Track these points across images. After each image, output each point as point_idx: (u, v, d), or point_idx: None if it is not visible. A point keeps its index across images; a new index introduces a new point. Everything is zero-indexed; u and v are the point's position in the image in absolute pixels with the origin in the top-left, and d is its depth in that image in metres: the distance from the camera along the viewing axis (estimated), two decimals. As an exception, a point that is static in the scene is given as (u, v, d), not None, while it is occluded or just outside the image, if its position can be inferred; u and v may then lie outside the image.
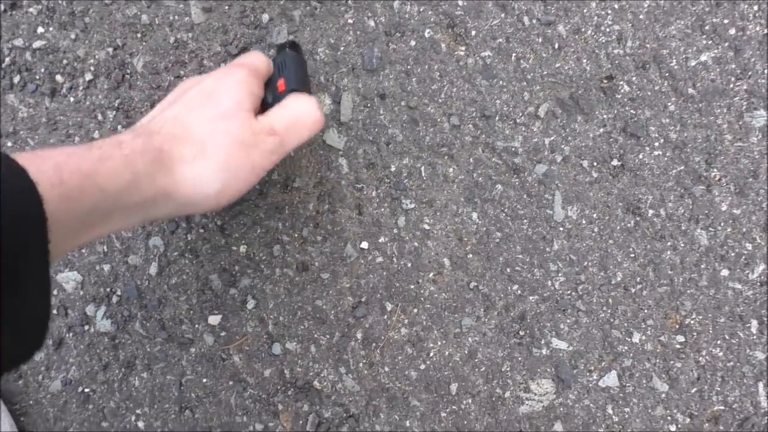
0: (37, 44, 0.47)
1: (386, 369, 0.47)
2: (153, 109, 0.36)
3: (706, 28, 0.46)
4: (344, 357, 0.47)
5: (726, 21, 0.46)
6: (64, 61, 0.47)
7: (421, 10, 0.46)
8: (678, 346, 0.47)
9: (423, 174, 0.47)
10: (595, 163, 0.47)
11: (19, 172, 0.23)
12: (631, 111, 0.46)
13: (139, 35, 0.47)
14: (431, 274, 0.47)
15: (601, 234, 0.47)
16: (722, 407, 0.47)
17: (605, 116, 0.46)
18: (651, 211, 0.47)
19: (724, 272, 0.47)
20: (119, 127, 0.47)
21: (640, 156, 0.46)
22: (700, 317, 0.47)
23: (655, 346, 0.47)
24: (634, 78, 0.46)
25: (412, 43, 0.47)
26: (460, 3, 0.46)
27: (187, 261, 0.47)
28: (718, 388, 0.47)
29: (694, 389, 0.47)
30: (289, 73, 0.37)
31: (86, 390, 0.48)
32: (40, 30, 0.47)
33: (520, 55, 0.46)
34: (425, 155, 0.47)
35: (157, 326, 0.47)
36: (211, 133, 0.32)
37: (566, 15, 0.46)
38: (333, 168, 0.47)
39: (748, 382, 0.46)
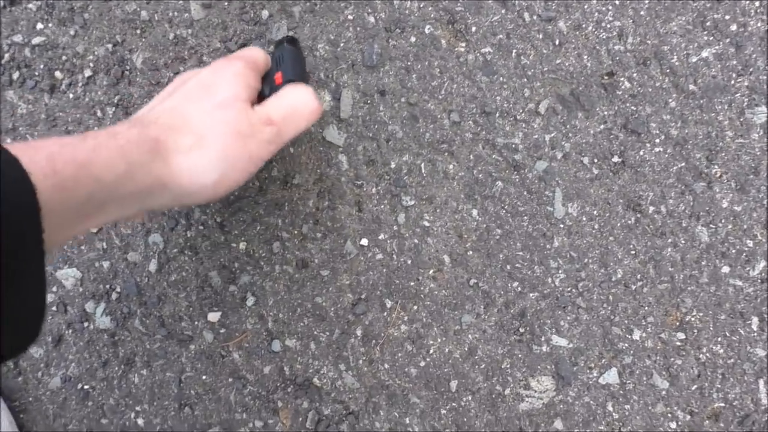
0: (36, 40, 0.47)
1: (386, 366, 0.47)
2: (150, 101, 0.36)
3: (707, 24, 0.46)
4: (344, 354, 0.47)
5: (727, 17, 0.46)
6: (64, 58, 0.47)
7: (421, 6, 0.46)
8: (678, 343, 0.47)
9: (423, 171, 0.47)
10: (595, 160, 0.47)
11: (12, 161, 0.23)
12: (632, 107, 0.46)
13: (138, 31, 0.47)
14: (431, 271, 0.47)
15: (602, 231, 0.47)
16: (722, 404, 0.47)
17: (606, 113, 0.46)
18: (652, 208, 0.46)
19: (725, 269, 0.46)
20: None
21: (641, 153, 0.46)
22: (701, 314, 0.47)
23: (655, 343, 0.47)
24: (634, 74, 0.46)
25: (412, 39, 0.46)
26: (461, -1, 0.46)
27: (186, 258, 0.47)
28: (719, 385, 0.47)
29: (695, 386, 0.47)
30: (287, 66, 0.37)
31: (86, 387, 0.47)
32: (40, 26, 0.47)
33: (520, 52, 0.46)
34: (425, 152, 0.47)
35: (156, 323, 0.47)
36: (207, 124, 0.32)
37: (567, 11, 0.46)
38: (333, 165, 0.47)
39: (748, 379, 0.46)
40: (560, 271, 0.47)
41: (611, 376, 0.47)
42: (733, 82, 0.46)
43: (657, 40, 0.46)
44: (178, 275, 0.47)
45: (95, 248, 0.47)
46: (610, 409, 0.47)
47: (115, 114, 0.47)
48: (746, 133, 0.46)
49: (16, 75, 0.47)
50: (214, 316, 0.47)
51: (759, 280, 0.46)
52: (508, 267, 0.47)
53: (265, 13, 0.46)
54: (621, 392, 0.47)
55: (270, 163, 0.47)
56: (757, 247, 0.46)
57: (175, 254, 0.47)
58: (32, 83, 0.47)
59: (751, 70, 0.46)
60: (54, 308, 0.47)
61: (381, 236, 0.47)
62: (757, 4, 0.45)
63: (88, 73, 0.47)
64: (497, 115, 0.47)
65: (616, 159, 0.46)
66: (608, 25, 0.46)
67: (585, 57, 0.46)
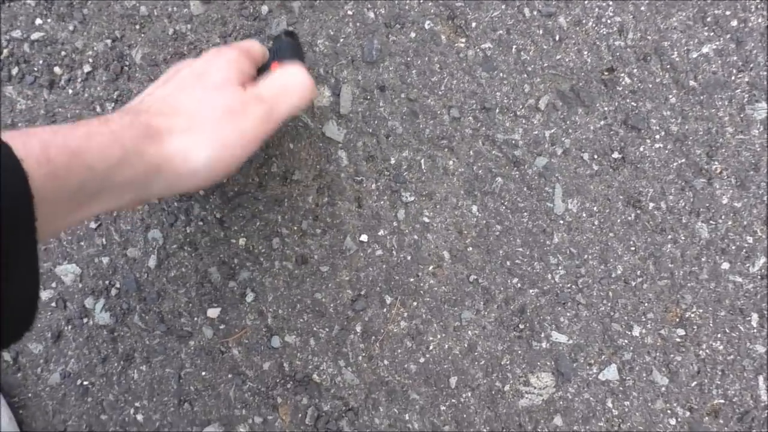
0: (35, 36, 0.46)
1: (385, 362, 0.47)
2: (143, 91, 0.36)
3: (708, 19, 0.46)
4: (343, 350, 0.47)
5: (728, 13, 0.45)
6: (63, 53, 0.47)
7: (421, 1, 0.46)
8: (678, 340, 0.47)
9: (423, 167, 0.47)
10: (595, 156, 0.46)
11: (4, 148, 0.23)
12: (632, 103, 0.46)
13: (137, 27, 0.47)
14: (431, 267, 0.47)
15: (602, 227, 0.47)
16: (722, 401, 0.47)
17: (606, 108, 0.46)
18: (651, 204, 0.46)
19: (725, 265, 0.46)
20: (118, 119, 0.47)
21: (641, 149, 0.46)
22: (701, 310, 0.47)
23: (655, 340, 0.47)
24: (635, 70, 0.46)
25: (412, 35, 0.46)
26: (461, -6, 0.46)
27: (186, 254, 0.47)
28: (718, 382, 0.46)
29: (694, 383, 0.47)
30: (284, 55, 0.37)
31: (85, 383, 0.47)
32: (39, 21, 0.46)
33: (520, 47, 0.46)
34: (425, 148, 0.47)
35: (156, 319, 0.47)
36: (198, 107, 0.32)
37: (567, 6, 0.46)
38: (332, 160, 0.47)
39: (748, 376, 0.46)
40: (560, 268, 0.47)
41: (611, 373, 0.47)
42: (733, 78, 0.46)
43: (657, 35, 0.46)
44: (178, 271, 0.47)
45: (94, 244, 0.47)
46: (610, 405, 0.47)
47: (114, 109, 0.47)
48: (746, 129, 0.46)
49: (15, 70, 0.46)
50: (213, 312, 0.47)
51: (759, 277, 0.46)
52: (508, 263, 0.47)
53: (264, 9, 0.46)
54: (621, 388, 0.47)
55: (270, 159, 0.47)
56: (757, 243, 0.46)
57: (175, 250, 0.47)
58: (31, 79, 0.46)
59: (751, 66, 0.45)
60: (53, 304, 0.47)
61: (381, 232, 0.47)
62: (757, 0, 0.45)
63: (87, 68, 0.47)
64: (497, 111, 0.46)
65: (616, 155, 0.46)
66: (608, 21, 0.46)
67: (585, 53, 0.46)
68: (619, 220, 0.47)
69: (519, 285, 0.47)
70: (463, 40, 0.46)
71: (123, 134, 0.28)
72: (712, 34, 0.46)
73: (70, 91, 0.47)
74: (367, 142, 0.47)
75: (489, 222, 0.47)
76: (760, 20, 0.45)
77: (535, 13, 0.46)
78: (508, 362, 0.47)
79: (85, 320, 0.47)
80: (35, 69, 0.47)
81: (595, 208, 0.47)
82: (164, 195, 0.33)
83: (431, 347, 0.47)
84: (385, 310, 0.47)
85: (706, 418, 0.47)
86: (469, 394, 0.47)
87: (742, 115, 0.46)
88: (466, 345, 0.47)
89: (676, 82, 0.46)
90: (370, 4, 0.46)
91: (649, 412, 0.47)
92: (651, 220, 0.47)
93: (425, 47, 0.46)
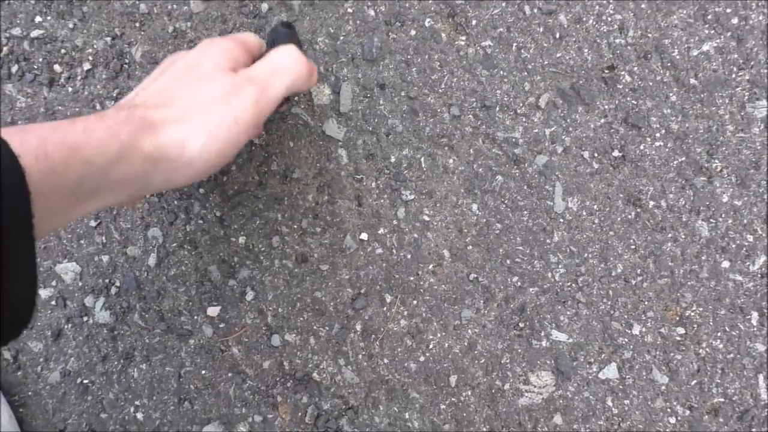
0: (35, 33, 0.46)
1: (385, 361, 0.47)
2: (138, 85, 0.36)
3: (709, 17, 0.45)
4: (343, 349, 0.47)
5: (729, 10, 0.45)
6: (62, 51, 0.46)
7: (422, -1, 0.46)
8: (678, 338, 0.47)
9: (423, 165, 0.47)
10: (595, 154, 0.46)
11: (1, 145, 0.23)
12: (633, 101, 0.46)
13: (137, 24, 0.47)
14: (431, 266, 0.47)
15: (602, 225, 0.47)
16: (722, 399, 0.47)
17: (606, 107, 0.46)
18: (652, 203, 0.46)
19: (725, 264, 0.46)
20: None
21: (641, 147, 0.46)
22: (701, 309, 0.46)
23: (655, 338, 0.47)
24: (635, 68, 0.46)
25: (413, 32, 0.46)
26: (461, -8, 0.46)
27: (186, 252, 0.47)
28: (718, 380, 0.46)
29: (694, 381, 0.47)
30: (280, 45, 0.36)
31: (85, 381, 0.47)
32: (38, 19, 0.46)
33: (521, 45, 0.46)
34: (425, 146, 0.47)
35: (155, 317, 0.47)
36: (191, 96, 0.32)
37: (567, 4, 0.46)
38: (332, 159, 0.47)
39: (748, 374, 0.46)
40: (560, 266, 0.47)
41: (611, 371, 0.47)
42: (734, 75, 0.46)
43: (658, 33, 0.46)
44: (178, 269, 0.47)
45: (94, 242, 0.47)
46: (610, 404, 0.47)
47: (114, 108, 0.47)
48: (747, 127, 0.46)
49: (14, 68, 0.46)
50: (213, 311, 0.47)
51: (759, 275, 0.46)
52: (508, 262, 0.47)
53: (264, 6, 0.46)
54: (620, 387, 0.47)
55: (269, 157, 0.47)
56: (758, 241, 0.46)
57: (175, 248, 0.47)
58: (31, 76, 0.46)
59: (752, 63, 0.45)
60: (53, 302, 0.47)
61: (381, 231, 0.47)
62: (758, -3, 0.45)
63: (87, 66, 0.47)
64: (497, 109, 0.46)
65: (616, 153, 0.46)
66: (609, 19, 0.46)
67: (585, 50, 0.46)
68: (619, 219, 0.47)
69: (519, 283, 0.47)
70: (464, 37, 0.46)
71: (120, 129, 0.28)
72: (712, 31, 0.46)
73: (70, 89, 0.47)
74: (367, 140, 0.47)
75: (489, 220, 0.47)
76: (760, 18, 0.45)
77: (535, 10, 0.46)
78: (508, 361, 0.47)
79: (85, 319, 0.47)
80: (35, 67, 0.47)
81: (595, 207, 0.47)
82: (163, 188, 0.33)
83: (431, 346, 0.47)
84: (385, 308, 0.47)
85: (706, 416, 0.47)
86: (469, 393, 0.47)
87: (742, 113, 0.46)
88: (466, 343, 0.47)
89: (677, 80, 0.46)
90: (370, 2, 0.46)
91: (649, 410, 0.47)
92: (651, 219, 0.46)
93: (425, 45, 0.46)
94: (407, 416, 0.47)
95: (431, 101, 0.46)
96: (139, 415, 0.47)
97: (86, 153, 0.26)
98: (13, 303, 0.24)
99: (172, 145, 0.30)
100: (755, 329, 0.46)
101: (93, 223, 0.47)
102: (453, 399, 0.47)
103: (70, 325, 0.47)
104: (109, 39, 0.46)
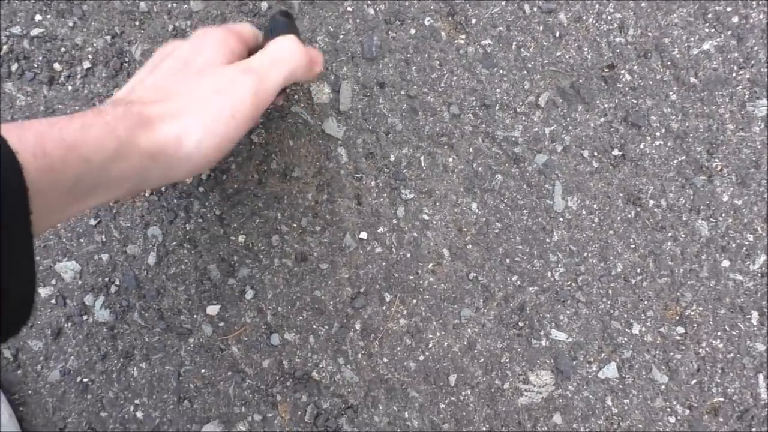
0: (34, 32, 0.46)
1: (385, 360, 0.47)
2: (130, 80, 0.35)
3: (709, 16, 0.45)
4: (343, 348, 0.47)
5: (729, 9, 0.45)
6: (62, 49, 0.47)
7: (421, -2, 0.46)
8: (678, 338, 0.46)
9: (422, 164, 0.47)
10: (595, 153, 0.46)
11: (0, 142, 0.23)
12: (633, 100, 0.46)
13: (137, 23, 0.47)
14: (430, 265, 0.47)
15: (602, 225, 0.47)
16: (722, 399, 0.46)
17: (606, 105, 0.46)
18: (652, 202, 0.46)
19: (725, 263, 0.46)
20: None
21: (641, 146, 0.46)
22: (701, 308, 0.46)
23: (654, 338, 0.46)
24: (635, 67, 0.46)
25: (412, 31, 0.46)
26: (461, -9, 0.46)
27: (185, 251, 0.47)
28: (718, 380, 0.46)
29: (694, 381, 0.46)
30: (278, 34, 0.36)
31: (85, 380, 0.47)
32: (38, 18, 0.46)
33: (520, 44, 0.46)
34: (425, 145, 0.47)
35: (155, 316, 0.47)
36: (187, 90, 0.31)
37: (567, 3, 0.46)
38: (332, 157, 0.47)
39: (748, 374, 0.46)
40: (560, 265, 0.47)
41: (610, 371, 0.47)
42: (734, 74, 0.45)
43: (658, 32, 0.46)
44: (177, 268, 0.47)
45: (94, 241, 0.47)
46: (609, 403, 0.47)
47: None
48: (747, 126, 0.46)
49: (14, 67, 0.46)
50: (213, 310, 0.47)
51: (759, 275, 0.46)
52: (508, 261, 0.47)
53: (264, 5, 0.46)
54: (620, 386, 0.47)
55: (269, 156, 0.47)
56: (758, 241, 0.46)
57: (174, 247, 0.47)
58: (31, 75, 0.46)
59: (752, 62, 0.45)
60: (53, 301, 0.47)
61: (380, 229, 0.47)
62: (759, -4, 0.45)
63: (86, 65, 0.47)
64: (497, 107, 0.46)
65: (616, 152, 0.46)
66: (609, 17, 0.46)
67: (585, 49, 0.46)
68: (619, 218, 0.46)
69: (518, 282, 0.47)
70: (463, 36, 0.46)
71: (117, 125, 0.28)
72: (713, 30, 0.45)
73: (70, 88, 0.47)
74: (366, 139, 0.47)
75: (488, 219, 0.47)
76: (761, 17, 0.45)
77: (535, 9, 0.46)
78: (507, 360, 0.47)
79: (84, 317, 0.47)
80: (35, 65, 0.47)
81: (595, 206, 0.47)
82: (161, 183, 0.32)
83: (431, 345, 0.47)
84: (384, 307, 0.47)
85: (706, 416, 0.46)
86: (469, 392, 0.47)
87: (742, 112, 0.46)
88: (465, 343, 0.47)
89: (677, 78, 0.46)
90: (369, 0, 0.46)
91: (648, 410, 0.47)
92: (651, 218, 0.46)
93: (425, 44, 0.46)
94: (407, 415, 0.47)
95: (431, 100, 0.46)
96: (139, 414, 0.47)
97: (84, 150, 0.26)
98: (12, 299, 0.24)
99: (170, 141, 0.30)
100: (755, 329, 0.46)
101: (93, 222, 0.47)
102: (452, 398, 0.47)
103: (69, 324, 0.47)
104: (109, 37, 0.46)
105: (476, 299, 0.47)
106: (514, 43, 0.46)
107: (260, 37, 0.38)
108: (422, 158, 0.47)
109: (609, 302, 0.47)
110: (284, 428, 0.47)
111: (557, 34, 0.46)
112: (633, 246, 0.46)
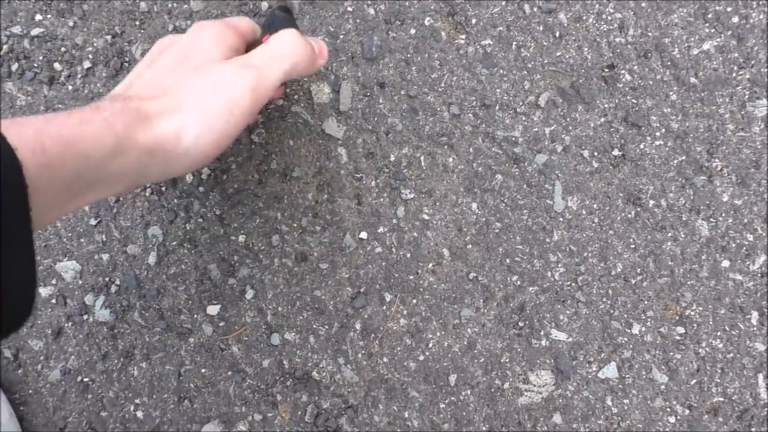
0: (35, 32, 0.46)
1: (385, 360, 0.47)
2: (129, 74, 0.35)
3: (709, 16, 0.45)
4: (343, 348, 0.47)
5: (729, 9, 0.45)
6: (63, 49, 0.47)
7: (421, -2, 0.46)
8: (678, 338, 0.47)
9: (422, 164, 0.47)
10: (595, 153, 0.46)
11: None
12: (633, 100, 0.46)
13: (137, 23, 0.47)
14: (430, 265, 0.47)
15: (602, 224, 0.47)
16: (722, 399, 0.46)
17: (606, 105, 0.46)
18: (652, 202, 0.46)
19: (725, 263, 0.46)
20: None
21: (641, 146, 0.46)
22: (701, 308, 0.46)
23: (654, 338, 0.47)
24: (635, 67, 0.46)
25: (412, 31, 0.46)
26: (461, -9, 0.46)
27: (185, 251, 0.47)
28: (718, 380, 0.46)
29: (694, 381, 0.46)
30: (276, 29, 0.35)
31: (85, 379, 0.48)
32: (38, 17, 0.46)
33: (520, 44, 0.46)
34: (425, 145, 0.47)
35: (155, 316, 0.47)
36: (185, 85, 0.31)
37: (567, 3, 0.46)
38: (332, 157, 0.47)
39: (747, 374, 0.46)
40: (560, 265, 0.47)
41: (610, 371, 0.47)
42: (734, 74, 0.45)
43: (658, 32, 0.46)
44: (177, 268, 0.47)
45: (94, 241, 0.47)
46: (609, 403, 0.47)
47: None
48: (747, 126, 0.46)
49: (15, 66, 0.46)
50: (213, 309, 0.47)
51: (759, 275, 0.46)
52: (508, 261, 0.47)
53: (264, 5, 0.46)
54: (620, 386, 0.47)
55: (269, 155, 0.47)
56: (758, 241, 0.46)
57: (174, 247, 0.47)
58: (31, 75, 0.46)
59: (752, 62, 0.45)
60: (53, 301, 0.47)
61: (380, 229, 0.47)
62: (759, -4, 0.45)
63: (87, 64, 0.47)
64: (497, 107, 0.46)
65: (616, 152, 0.46)
66: (609, 17, 0.46)
67: (585, 49, 0.46)
68: (619, 218, 0.46)
69: (518, 282, 0.47)
70: (463, 36, 0.46)
71: (115, 121, 0.28)
72: (713, 30, 0.45)
73: (70, 87, 0.47)
74: (366, 139, 0.47)
75: (489, 219, 0.47)
76: (761, 17, 0.45)
77: (535, 9, 0.46)
78: (507, 360, 0.47)
79: (85, 317, 0.47)
80: (35, 65, 0.47)
81: (595, 206, 0.47)
82: (160, 179, 0.32)
83: (431, 345, 0.47)
84: (384, 307, 0.47)
85: (706, 416, 0.47)
86: (469, 392, 0.47)
87: (743, 112, 0.46)
88: (465, 343, 0.47)
89: (677, 79, 0.46)
90: (369, 0, 0.46)
91: (648, 410, 0.47)
92: (651, 218, 0.46)
93: (425, 44, 0.46)
94: (407, 415, 0.47)
95: (431, 100, 0.46)
96: (139, 414, 0.47)
97: (82, 146, 0.26)
98: (12, 296, 0.24)
99: (168, 137, 0.30)
100: (755, 329, 0.46)
101: (93, 222, 0.47)
102: (452, 398, 0.47)
103: (70, 324, 0.47)
104: (109, 37, 0.46)
105: (476, 299, 0.47)
106: (514, 43, 0.46)
107: (258, 31, 0.38)
108: (422, 158, 0.47)
109: (609, 302, 0.47)
110: (284, 428, 0.47)
111: (557, 34, 0.46)
112: (633, 246, 0.47)
